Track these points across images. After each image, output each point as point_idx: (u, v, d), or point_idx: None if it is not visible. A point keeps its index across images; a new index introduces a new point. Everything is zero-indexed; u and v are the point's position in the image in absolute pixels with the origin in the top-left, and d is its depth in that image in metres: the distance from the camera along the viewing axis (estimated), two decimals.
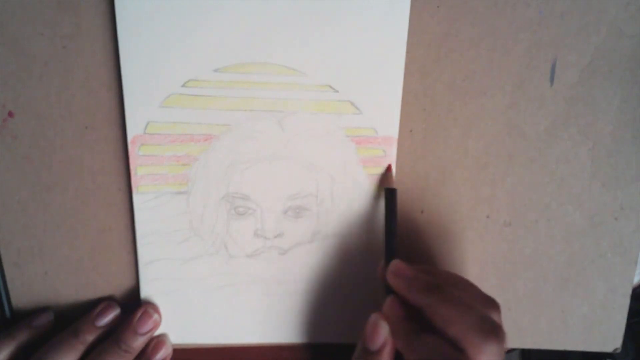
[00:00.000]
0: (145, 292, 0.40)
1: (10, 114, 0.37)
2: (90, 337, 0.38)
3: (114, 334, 0.39)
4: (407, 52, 0.38)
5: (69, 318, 0.40)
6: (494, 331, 0.31)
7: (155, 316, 0.40)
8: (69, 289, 0.40)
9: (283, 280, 0.41)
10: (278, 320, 0.42)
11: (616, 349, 0.45)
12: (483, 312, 0.32)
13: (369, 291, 0.42)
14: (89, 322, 0.39)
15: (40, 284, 0.40)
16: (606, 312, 0.45)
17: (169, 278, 0.40)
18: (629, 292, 0.44)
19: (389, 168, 0.40)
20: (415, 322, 0.34)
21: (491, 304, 0.34)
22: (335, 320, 0.42)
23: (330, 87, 0.38)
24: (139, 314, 0.39)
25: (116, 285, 0.41)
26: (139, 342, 0.39)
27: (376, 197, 0.40)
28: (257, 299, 0.41)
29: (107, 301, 0.40)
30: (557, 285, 0.44)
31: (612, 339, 0.45)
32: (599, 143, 0.42)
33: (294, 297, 0.41)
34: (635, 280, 0.45)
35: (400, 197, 0.41)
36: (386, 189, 0.39)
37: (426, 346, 0.32)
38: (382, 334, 0.34)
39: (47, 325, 0.40)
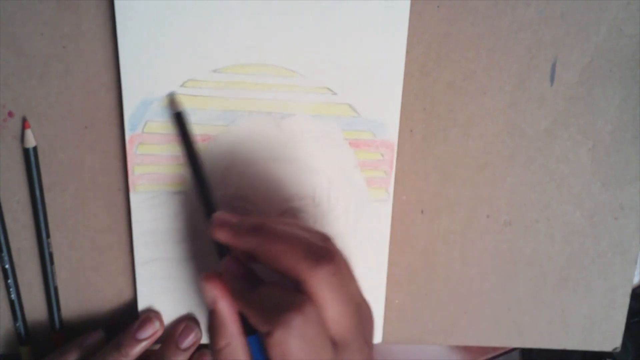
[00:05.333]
0: (142, 291, 0.40)
1: (10, 114, 0.37)
2: (132, 351, 0.38)
3: (114, 339, 0.39)
4: (407, 52, 0.38)
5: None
6: (323, 253, 0.30)
7: (157, 323, 0.40)
8: (69, 289, 0.40)
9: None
10: None
11: (616, 348, 0.45)
12: (310, 241, 0.31)
13: (365, 293, 0.42)
14: (130, 336, 0.39)
15: (40, 284, 0.40)
16: (606, 311, 0.45)
17: (166, 278, 0.40)
18: (629, 291, 0.44)
19: (171, 94, 0.37)
20: (254, 279, 0.33)
21: (319, 234, 0.33)
22: None
23: (329, 89, 0.38)
24: (140, 320, 0.39)
25: (116, 285, 0.41)
26: (138, 349, 0.39)
27: (373, 200, 0.40)
28: None
29: (146, 314, 0.40)
30: (557, 285, 0.44)
31: (611, 339, 0.45)
32: (599, 143, 0.42)
33: None
34: (635, 280, 0.45)
35: (400, 197, 0.41)
36: (175, 113, 0.37)
37: (260, 296, 0.31)
38: (208, 294, 0.32)
39: (98, 344, 0.40)
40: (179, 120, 0.37)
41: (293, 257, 0.30)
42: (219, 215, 0.34)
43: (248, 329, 0.32)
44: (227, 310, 0.32)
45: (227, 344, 0.32)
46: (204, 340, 0.41)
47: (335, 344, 0.29)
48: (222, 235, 0.33)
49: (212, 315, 0.32)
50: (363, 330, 0.31)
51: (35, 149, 0.37)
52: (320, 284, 0.29)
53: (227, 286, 0.33)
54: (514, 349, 0.47)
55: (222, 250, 0.34)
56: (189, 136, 0.37)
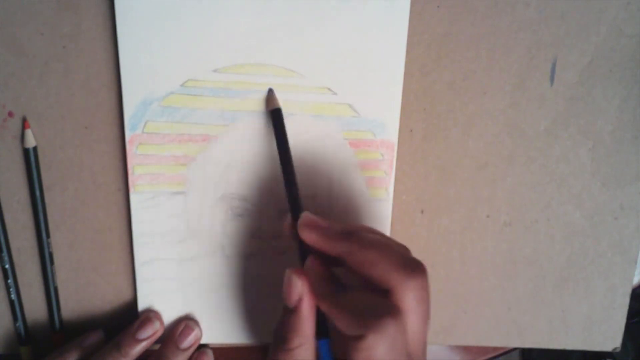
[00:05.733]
0: (142, 291, 0.40)
1: (10, 114, 0.37)
2: (132, 351, 0.38)
3: (114, 339, 0.39)
4: (407, 52, 0.38)
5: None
6: (417, 266, 0.31)
7: (156, 323, 0.40)
8: (69, 289, 0.40)
9: (280, 281, 0.41)
10: (275, 321, 0.42)
11: (616, 348, 0.45)
12: (403, 252, 0.32)
13: None
14: (129, 336, 0.39)
15: (40, 284, 0.40)
16: (606, 311, 0.45)
17: (166, 278, 0.40)
18: (629, 291, 0.45)
19: (270, 90, 0.38)
20: (338, 281, 0.33)
21: (403, 246, 0.33)
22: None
23: (329, 89, 0.38)
24: (140, 319, 0.39)
25: (116, 286, 0.41)
26: (138, 349, 0.39)
27: (373, 200, 0.40)
28: (254, 300, 0.41)
29: (146, 314, 0.40)
30: (557, 285, 0.44)
31: (611, 339, 0.45)
32: (599, 143, 0.42)
33: None
34: (635, 280, 0.45)
35: (400, 196, 0.41)
36: (272, 110, 0.37)
37: (351, 300, 0.31)
38: (296, 290, 0.32)
39: (98, 344, 0.40)
40: (276, 117, 0.37)
41: (386, 266, 0.30)
42: (308, 215, 0.34)
43: (318, 332, 0.32)
44: (309, 310, 0.32)
45: (300, 344, 0.32)
46: (204, 340, 0.41)
47: (409, 356, 0.30)
48: (310, 237, 0.33)
49: (293, 314, 0.32)
50: (426, 348, 0.32)
51: (35, 149, 0.37)
52: (410, 295, 0.30)
53: (313, 288, 0.32)
54: (514, 349, 0.47)
55: (304, 251, 0.34)
56: (284, 133, 0.37)
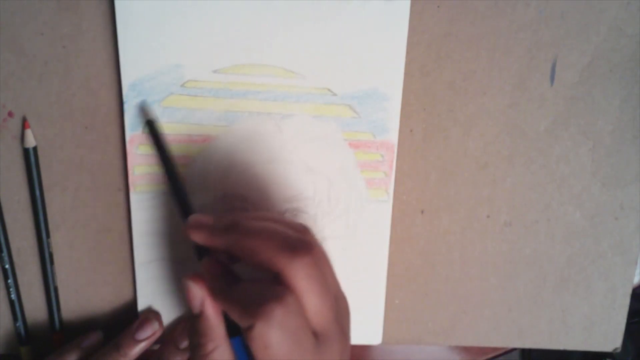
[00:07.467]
0: (141, 291, 0.40)
1: (10, 114, 0.37)
2: (131, 351, 0.38)
3: (114, 339, 0.39)
4: (407, 52, 0.38)
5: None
6: (300, 245, 0.30)
7: (155, 324, 0.40)
8: (69, 289, 0.40)
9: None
10: None
11: (616, 349, 0.45)
12: (287, 233, 0.31)
13: (365, 293, 0.42)
14: (129, 336, 0.39)
15: (40, 284, 0.40)
16: (606, 312, 0.45)
17: (165, 278, 0.40)
18: (629, 292, 0.44)
19: (142, 102, 0.37)
20: (233, 277, 0.32)
21: (297, 226, 0.33)
22: None
23: (329, 90, 0.38)
24: (139, 320, 0.39)
25: (116, 285, 0.41)
26: (137, 349, 0.39)
27: (373, 201, 0.40)
28: None
29: (146, 314, 0.40)
30: (557, 285, 0.44)
31: (612, 339, 0.45)
32: (599, 143, 0.42)
33: None
34: (635, 280, 0.45)
35: (400, 197, 0.41)
36: (147, 121, 0.37)
37: (240, 292, 0.30)
38: (196, 295, 0.31)
39: (97, 345, 0.40)
40: (151, 127, 0.37)
41: (269, 250, 0.30)
42: (195, 216, 0.33)
43: (231, 331, 0.32)
44: (214, 312, 0.32)
45: (215, 347, 0.31)
46: None
47: (315, 335, 0.29)
48: (198, 237, 0.33)
49: (199, 319, 0.32)
50: (341, 321, 0.31)
51: (35, 149, 0.37)
52: (298, 274, 0.29)
53: (209, 287, 0.32)
54: (514, 349, 0.47)
55: (202, 251, 0.34)
56: (162, 142, 0.37)
